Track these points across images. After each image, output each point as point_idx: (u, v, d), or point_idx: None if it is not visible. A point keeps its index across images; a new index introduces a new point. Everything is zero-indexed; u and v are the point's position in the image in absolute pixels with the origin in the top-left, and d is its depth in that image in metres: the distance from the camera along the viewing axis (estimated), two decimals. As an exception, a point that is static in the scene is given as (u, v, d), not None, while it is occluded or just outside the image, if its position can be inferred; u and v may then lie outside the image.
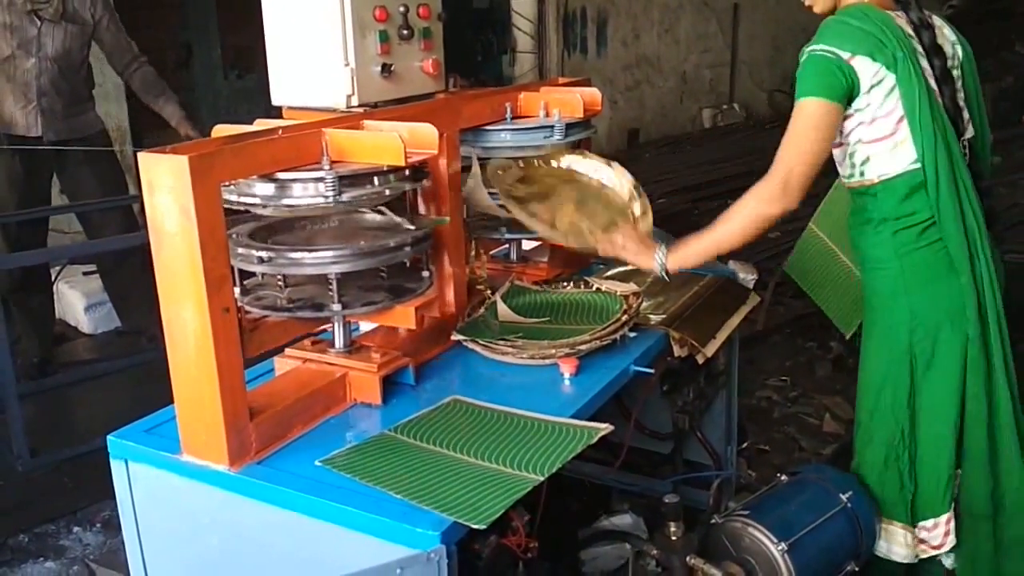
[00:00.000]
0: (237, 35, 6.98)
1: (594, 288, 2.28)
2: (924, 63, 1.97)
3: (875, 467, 2.15)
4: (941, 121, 1.95)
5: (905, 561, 2.16)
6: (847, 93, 1.93)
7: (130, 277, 4.23)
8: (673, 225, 5.19)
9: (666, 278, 2.11)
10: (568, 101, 2.29)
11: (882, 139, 1.97)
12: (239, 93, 7.16)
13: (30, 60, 3.81)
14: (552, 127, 2.23)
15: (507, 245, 2.50)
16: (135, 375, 3.76)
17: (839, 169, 2.11)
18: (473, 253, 2.28)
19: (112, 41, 4.06)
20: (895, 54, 1.92)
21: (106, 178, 4.15)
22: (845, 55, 1.91)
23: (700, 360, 2.21)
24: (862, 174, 2.02)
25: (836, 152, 2.07)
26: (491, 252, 2.53)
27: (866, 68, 1.92)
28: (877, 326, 2.11)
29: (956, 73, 2.04)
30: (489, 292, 2.21)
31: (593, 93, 2.36)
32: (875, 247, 2.06)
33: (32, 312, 4.08)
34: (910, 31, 1.98)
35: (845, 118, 1.97)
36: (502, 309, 2.14)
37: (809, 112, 1.93)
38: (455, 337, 2.03)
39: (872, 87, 1.93)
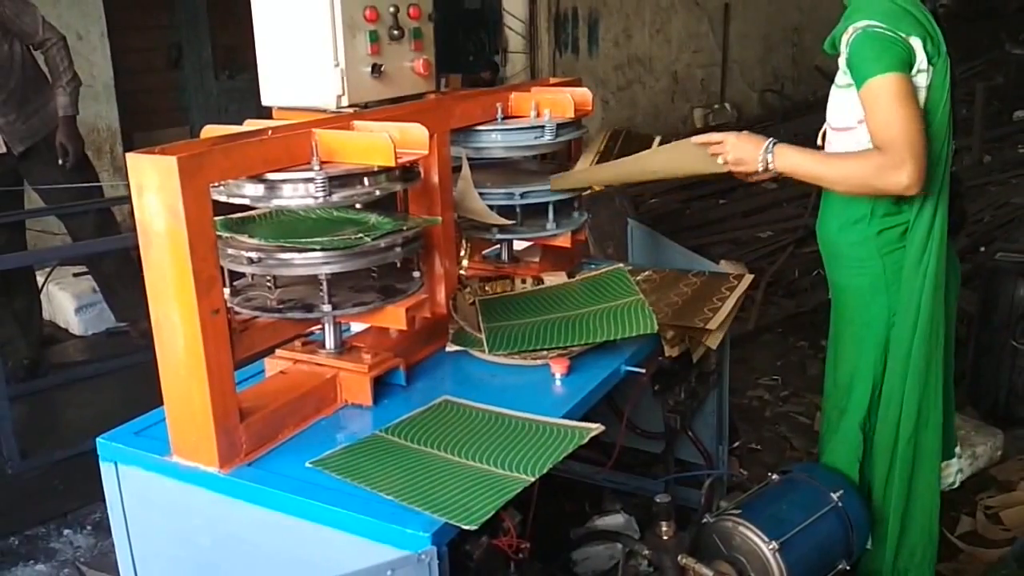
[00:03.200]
0: (228, 35, 6.97)
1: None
2: None
3: (848, 458, 2.17)
4: (950, 129, 1.94)
5: None
6: (910, 68, 1.86)
7: (115, 267, 4.20)
8: (665, 224, 5.22)
9: (770, 170, 1.99)
10: (559, 101, 2.29)
11: None
12: (229, 93, 7.14)
13: None
14: (543, 127, 2.23)
15: (498, 245, 2.50)
16: (126, 377, 3.74)
17: (839, 152, 2.04)
18: (464, 253, 2.27)
19: (14, 21, 3.74)
20: (940, 48, 1.89)
21: (74, 170, 4.05)
22: (902, 33, 1.86)
23: (713, 344, 2.22)
24: None
25: (847, 136, 2.01)
26: (482, 252, 2.53)
27: (919, 51, 1.87)
28: (854, 323, 2.12)
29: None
30: (468, 294, 2.20)
31: (584, 93, 2.36)
32: (857, 246, 2.06)
33: (17, 314, 4.05)
34: None
35: None
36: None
37: (892, 88, 1.83)
38: (450, 348, 2.03)
39: (918, 72, 1.89)
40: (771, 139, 2.00)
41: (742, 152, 2.02)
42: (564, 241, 2.44)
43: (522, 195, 2.27)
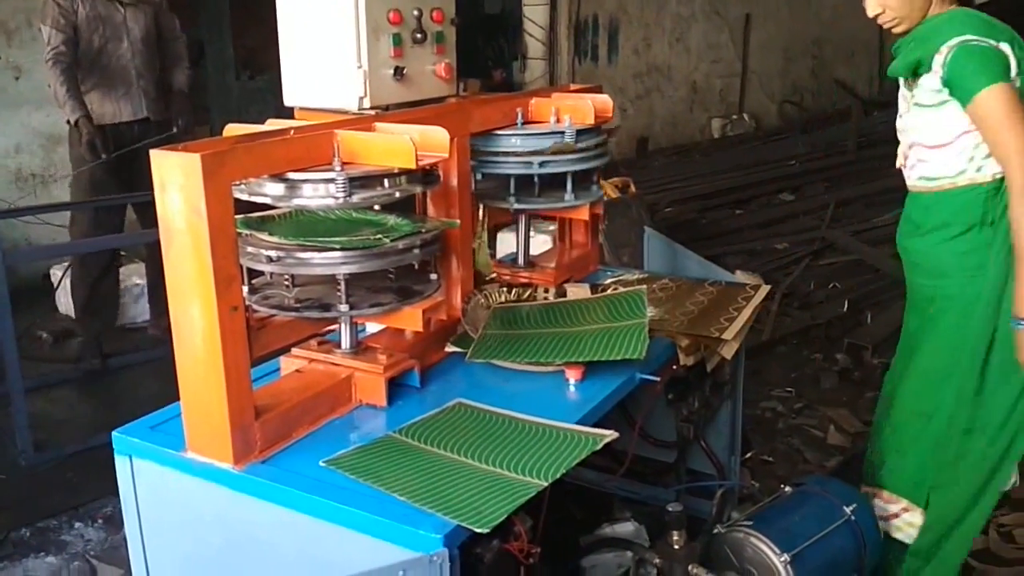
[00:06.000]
0: (249, 36, 7.01)
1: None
2: None
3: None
4: None
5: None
6: (1010, 75, 1.92)
7: None
8: (681, 233, 5.20)
9: None
10: (579, 108, 2.29)
11: None
12: (250, 93, 7.18)
13: (123, 45, 3.97)
14: (562, 133, 2.23)
15: (514, 250, 2.49)
16: (142, 371, 3.77)
17: (939, 167, 2.04)
18: (481, 221, 2.23)
19: (168, 23, 4.21)
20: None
21: None
22: (993, 42, 1.91)
23: (728, 355, 2.22)
24: (979, 169, 1.99)
25: (947, 151, 2.02)
26: (498, 257, 2.53)
27: (1011, 56, 1.92)
28: (954, 330, 2.11)
29: None
30: (482, 299, 2.20)
31: (604, 100, 2.36)
32: (970, 255, 2.05)
33: (106, 298, 4.20)
34: None
35: None
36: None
37: (1001, 99, 1.89)
38: (448, 348, 2.03)
39: (1016, 75, 1.94)
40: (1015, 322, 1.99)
41: None
42: (582, 213, 2.43)
43: (541, 164, 2.22)
